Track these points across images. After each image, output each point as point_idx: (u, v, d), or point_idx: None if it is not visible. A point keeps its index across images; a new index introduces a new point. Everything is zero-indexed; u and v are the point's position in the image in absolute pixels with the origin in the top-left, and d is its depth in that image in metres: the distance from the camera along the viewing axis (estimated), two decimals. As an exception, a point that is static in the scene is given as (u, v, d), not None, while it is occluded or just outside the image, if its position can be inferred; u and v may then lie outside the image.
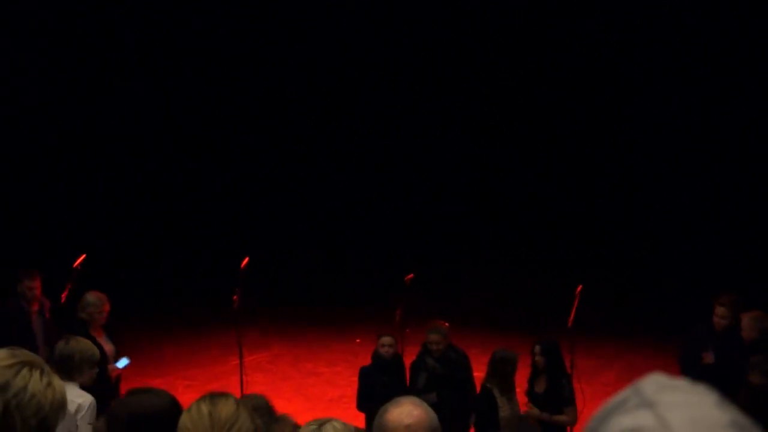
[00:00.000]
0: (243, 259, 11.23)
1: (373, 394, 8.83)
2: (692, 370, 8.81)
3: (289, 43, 19.95)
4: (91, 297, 9.25)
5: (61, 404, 2.66)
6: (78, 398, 6.21)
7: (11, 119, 17.46)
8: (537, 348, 8.83)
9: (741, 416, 1.07)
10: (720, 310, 8.97)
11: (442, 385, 9.01)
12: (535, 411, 8.69)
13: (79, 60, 18.66)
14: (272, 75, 20.14)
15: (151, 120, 19.35)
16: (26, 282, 9.85)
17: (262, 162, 20.06)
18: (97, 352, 6.67)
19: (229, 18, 19.73)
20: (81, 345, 6.56)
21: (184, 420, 3.18)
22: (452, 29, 19.76)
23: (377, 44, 19.80)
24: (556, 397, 8.72)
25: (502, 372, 8.61)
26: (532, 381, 8.95)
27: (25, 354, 2.63)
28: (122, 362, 9.10)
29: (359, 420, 8.85)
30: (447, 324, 9.32)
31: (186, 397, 8.96)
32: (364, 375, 9.28)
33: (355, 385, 9.37)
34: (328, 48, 19.97)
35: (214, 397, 3.27)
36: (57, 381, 2.67)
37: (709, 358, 8.82)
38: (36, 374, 2.59)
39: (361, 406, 9.22)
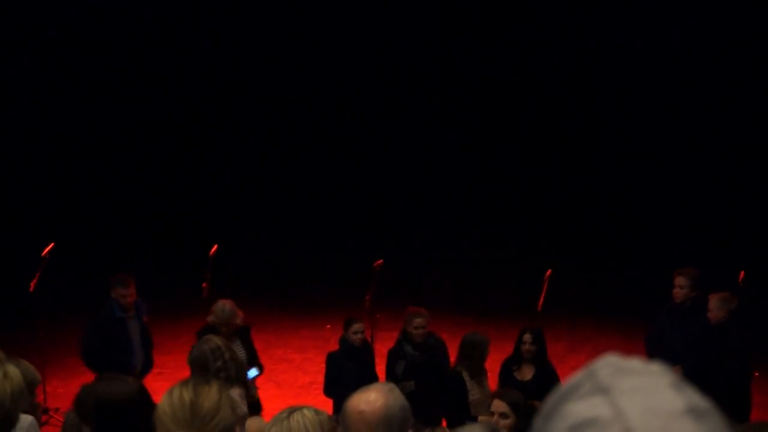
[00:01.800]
0: (212, 247, 11.20)
1: (341, 380, 8.86)
2: (658, 351, 8.91)
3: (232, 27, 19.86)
4: (217, 305, 8.88)
5: (21, 391, 2.62)
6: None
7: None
8: (527, 336, 8.78)
9: (698, 398, 1.06)
10: (678, 279, 9.18)
11: (421, 373, 9.00)
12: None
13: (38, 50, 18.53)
14: (241, 71, 20.04)
15: (116, 110, 19.20)
16: (119, 290, 9.33)
17: (231, 149, 19.96)
18: (36, 377, 5.67)
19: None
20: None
21: (164, 405, 2.97)
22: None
23: (330, 34, 19.75)
24: (547, 384, 8.71)
25: (472, 355, 8.62)
26: (509, 368, 8.92)
27: None
28: (251, 372, 8.57)
29: (329, 406, 8.87)
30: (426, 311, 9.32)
31: (157, 384, 8.97)
32: (332, 361, 9.30)
33: (326, 372, 9.38)
34: (286, 37, 19.89)
35: (197, 384, 3.04)
36: (11, 369, 2.63)
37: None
38: None
39: (328, 392, 9.25)
